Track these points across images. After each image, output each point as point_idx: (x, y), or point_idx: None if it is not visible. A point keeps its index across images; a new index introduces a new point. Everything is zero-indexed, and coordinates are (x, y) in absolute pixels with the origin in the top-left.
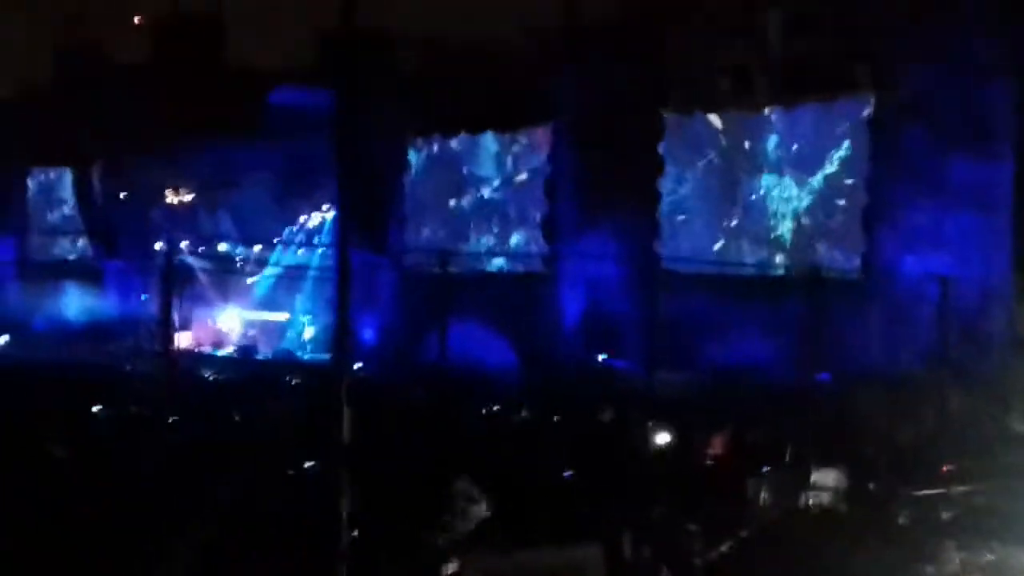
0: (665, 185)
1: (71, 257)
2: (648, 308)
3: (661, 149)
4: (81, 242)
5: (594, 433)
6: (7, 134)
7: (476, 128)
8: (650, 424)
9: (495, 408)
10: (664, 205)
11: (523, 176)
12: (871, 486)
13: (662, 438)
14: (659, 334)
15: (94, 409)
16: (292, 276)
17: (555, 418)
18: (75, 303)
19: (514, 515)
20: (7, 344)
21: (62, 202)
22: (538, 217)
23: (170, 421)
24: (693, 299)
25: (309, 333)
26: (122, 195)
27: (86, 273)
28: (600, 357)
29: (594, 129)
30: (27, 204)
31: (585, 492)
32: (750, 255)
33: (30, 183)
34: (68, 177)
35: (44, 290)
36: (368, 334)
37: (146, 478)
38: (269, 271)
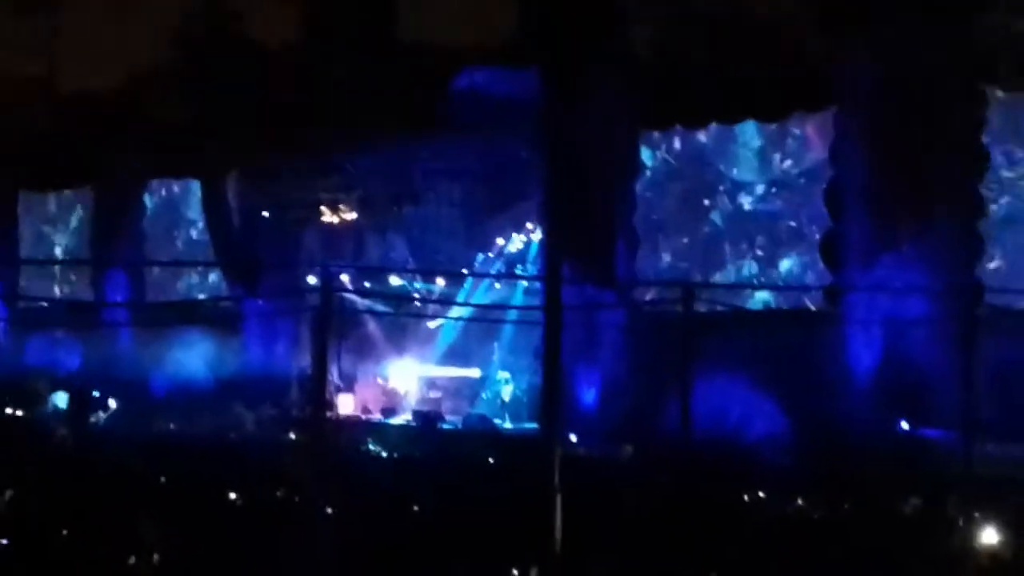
0: (990, 189)
1: (200, 296)
2: (969, 357)
3: (985, 140)
4: (213, 276)
5: (898, 529)
6: (117, 136)
7: (732, 116)
8: (976, 516)
9: (760, 495)
10: (991, 216)
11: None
12: None
13: (991, 536)
14: (985, 393)
15: (230, 496)
16: (487, 319)
17: (843, 508)
18: (204, 356)
19: None
20: (117, 411)
21: (188, 224)
22: (817, 235)
23: (327, 512)
24: None
25: (509, 395)
26: (265, 214)
27: (219, 317)
28: (903, 424)
29: (891, 116)
30: (143, 228)
31: None
32: None
33: (147, 201)
34: (196, 192)
35: (164, 340)
36: (588, 395)
37: None
38: (456, 313)
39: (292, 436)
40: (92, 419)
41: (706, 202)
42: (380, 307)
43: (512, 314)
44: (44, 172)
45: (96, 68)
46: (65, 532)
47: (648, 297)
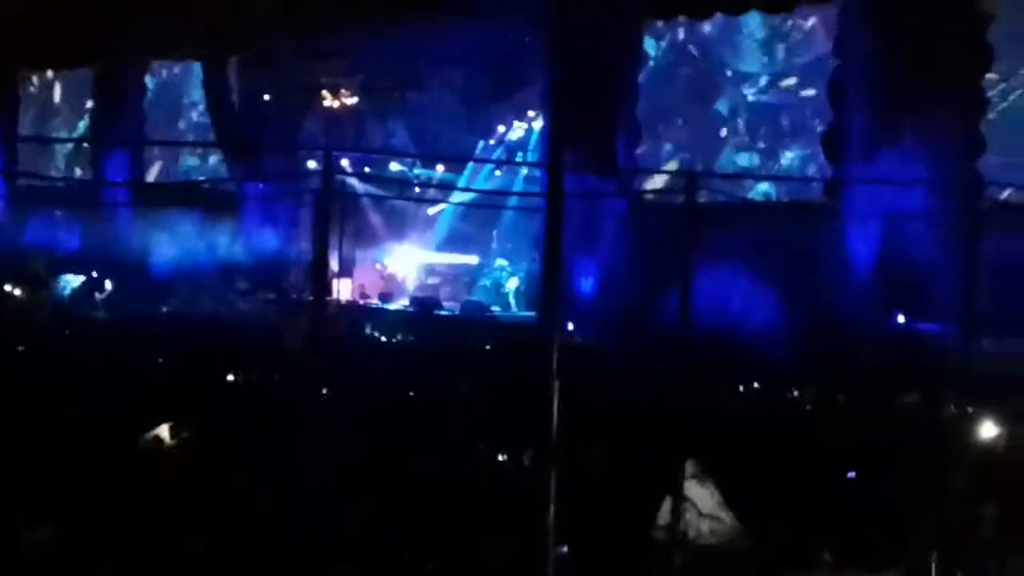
0: (992, 82)
1: (200, 178)
2: (967, 252)
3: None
4: (213, 159)
5: (891, 421)
6: (117, 15)
7: (736, 7)
8: (969, 411)
9: (756, 386)
10: (992, 110)
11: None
12: None
13: (987, 430)
14: (982, 288)
15: (227, 378)
16: (486, 206)
17: (838, 400)
18: (204, 239)
19: (775, 530)
20: (114, 293)
21: (189, 107)
22: (819, 128)
23: (323, 395)
24: None
25: (509, 282)
26: (266, 97)
27: (218, 199)
28: (900, 318)
29: (895, 9)
30: (143, 109)
31: (875, 500)
32: None
33: (148, 81)
34: (197, 73)
35: (163, 221)
36: (586, 284)
37: (289, 470)
38: (456, 199)
39: (290, 319)
40: (89, 300)
41: (709, 93)
42: (380, 192)
43: (512, 201)
44: (43, 50)
45: None
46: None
47: (650, 187)
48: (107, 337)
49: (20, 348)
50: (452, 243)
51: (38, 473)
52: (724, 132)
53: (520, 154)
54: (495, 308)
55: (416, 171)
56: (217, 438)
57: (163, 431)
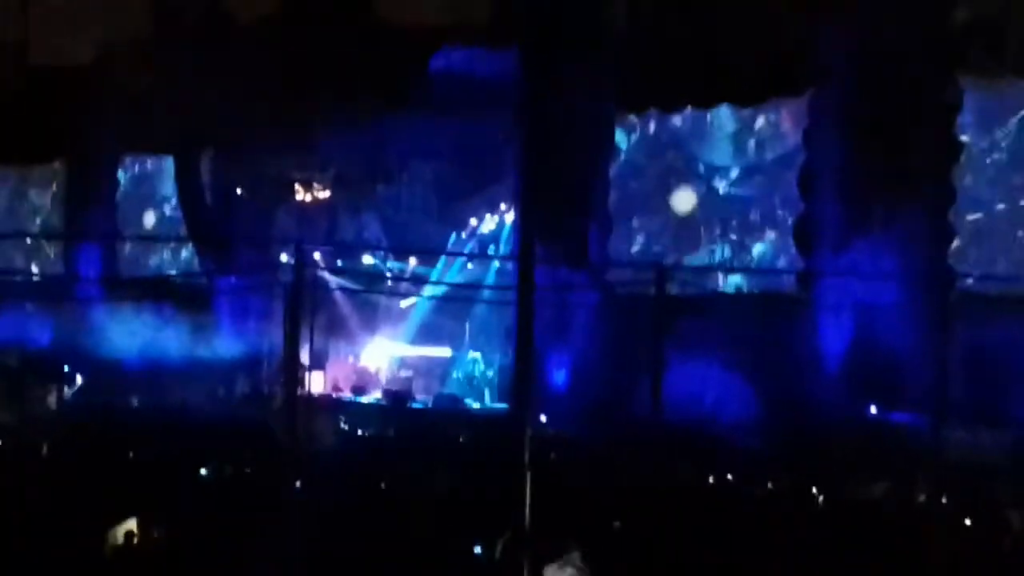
0: (958, 176)
1: (172, 272)
2: (938, 342)
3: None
4: (185, 252)
5: (867, 512)
6: (91, 110)
7: (707, 101)
8: (944, 500)
9: (729, 478)
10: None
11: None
12: None
13: (960, 520)
14: (954, 377)
15: (200, 472)
16: (459, 299)
17: (812, 492)
18: (176, 332)
19: None
20: (86, 386)
21: (161, 201)
22: (790, 220)
23: (296, 487)
24: (1001, 329)
25: (481, 374)
26: (239, 191)
27: (191, 293)
28: (873, 408)
29: (864, 101)
30: (116, 203)
31: None
32: None
33: (120, 176)
34: (169, 167)
35: (137, 315)
36: (559, 376)
37: (262, 565)
38: (429, 292)
39: (263, 413)
40: (59, 395)
41: (681, 185)
42: (352, 285)
43: (484, 294)
44: (15, 144)
45: (69, 39)
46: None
47: (621, 279)
48: (77, 430)
49: None
50: (425, 336)
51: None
52: (696, 225)
53: (492, 247)
54: (468, 400)
55: (389, 264)
56: (188, 532)
57: (133, 525)
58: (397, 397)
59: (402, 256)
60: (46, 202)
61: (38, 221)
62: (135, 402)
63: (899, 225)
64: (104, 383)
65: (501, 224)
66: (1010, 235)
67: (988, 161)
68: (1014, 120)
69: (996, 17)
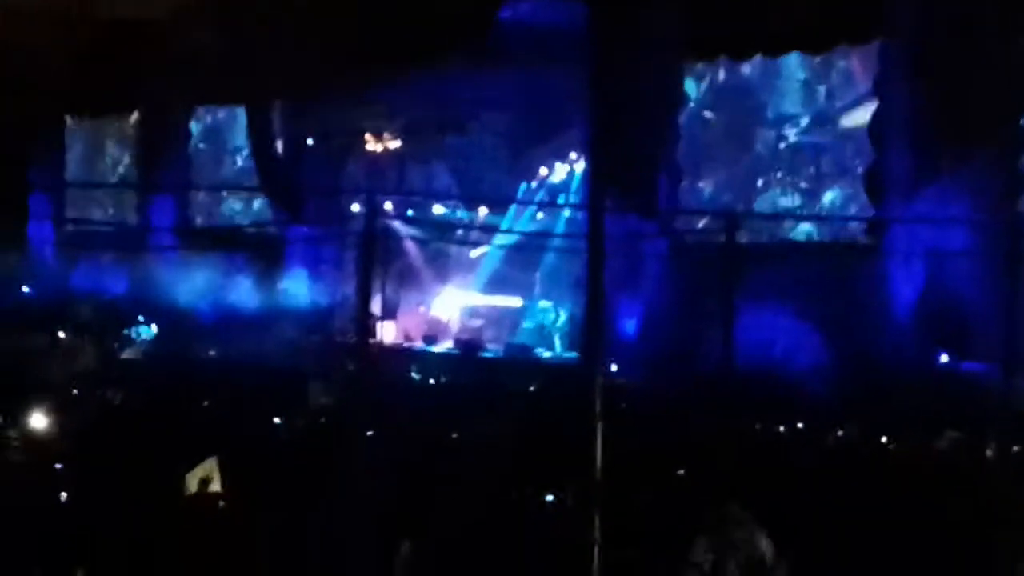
0: None
1: (244, 222)
2: (1011, 291)
3: None
4: (257, 203)
5: (936, 461)
6: (159, 63)
7: (777, 48)
8: (1015, 450)
9: (800, 426)
10: None
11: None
12: None
13: None
14: None
15: (274, 421)
16: (529, 248)
17: (883, 440)
18: (249, 282)
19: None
20: (159, 336)
21: (234, 152)
22: (861, 168)
23: (369, 436)
24: None
25: (551, 324)
26: (309, 142)
27: (263, 243)
28: (943, 358)
29: (935, 48)
30: (189, 154)
31: (920, 541)
32: None
33: (193, 127)
34: (241, 119)
35: (209, 265)
36: (629, 325)
37: (335, 511)
38: (499, 242)
39: (335, 363)
40: (133, 344)
41: (751, 134)
42: (423, 236)
43: (554, 243)
44: (88, 98)
45: None
46: (112, 458)
47: (691, 227)
48: (154, 381)
49: (73, 391)
50: (495, 285)
51: (92, 513)
52: (765, 173)
53: (563, 196)
54: (539, 350)
55: (459, 213)
56: (262, 481)
57: (208, 473)
58: (468, 347)
59: (472, 206)
60: (123, 154)
61: (119, 172)
62: (209, 352)
63: (969, 173)
64: (178, 333)
65: (571, 173)
66: None
67: None
68: None
69: None
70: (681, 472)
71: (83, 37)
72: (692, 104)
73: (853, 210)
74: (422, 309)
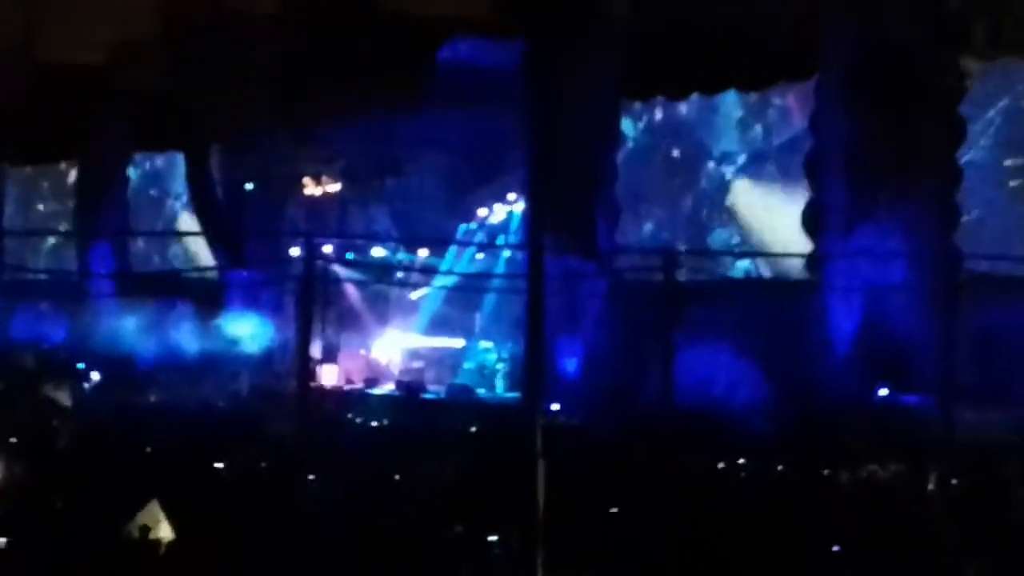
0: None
1: (184, 268)
2: (947, 324)
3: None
4: (197, 248)
5: (876, 494)
6: (99, 108)
7: (713, 87)
8: (953, 482)
9: (740, 462)
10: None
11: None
12: None
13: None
14: (963, 358)
15: (214, 466)
16: (470, 289)
17: (823, 474)
18: (189, 327)
19: None
20: (101, 384)
21: (172, 196)
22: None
23: (310, 481)
24: (1010, 311)
25: (493, 364)
26: (249, 186)
27: (203, 288)
28: (882, 391)
29: (870, 84)
30: (127, 200)
31: (861, 571)
32: None
33: (131, 173)
34: (180, 164)
35: (149, 311)
36: (570, 364)
37: (279, 553)
38: (439, 283)
39: (275, 406)
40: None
41: (688, 172)
42: (363, 278)
43: (495, 284)
44: (26, 144)
45: (77, 38)
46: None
47: (630, 266)
48: (93, 426)
49: (11, 440)
50: (436, 326)
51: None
52: (704, 211)
53: (502, 236)
54: (480, 390)
55: (399, 255)
56: (202, 526)
57: (150, 518)
58: (409, 388)
59: (412, 247)
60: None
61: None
62: (149, 397)
63: (905, 207)
64: (118, 379)
65: (510, 214)
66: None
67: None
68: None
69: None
70: (617, 510)
71: (19, 82)
72: (630, 143)
73: (792, 247)
74: (363, 351)
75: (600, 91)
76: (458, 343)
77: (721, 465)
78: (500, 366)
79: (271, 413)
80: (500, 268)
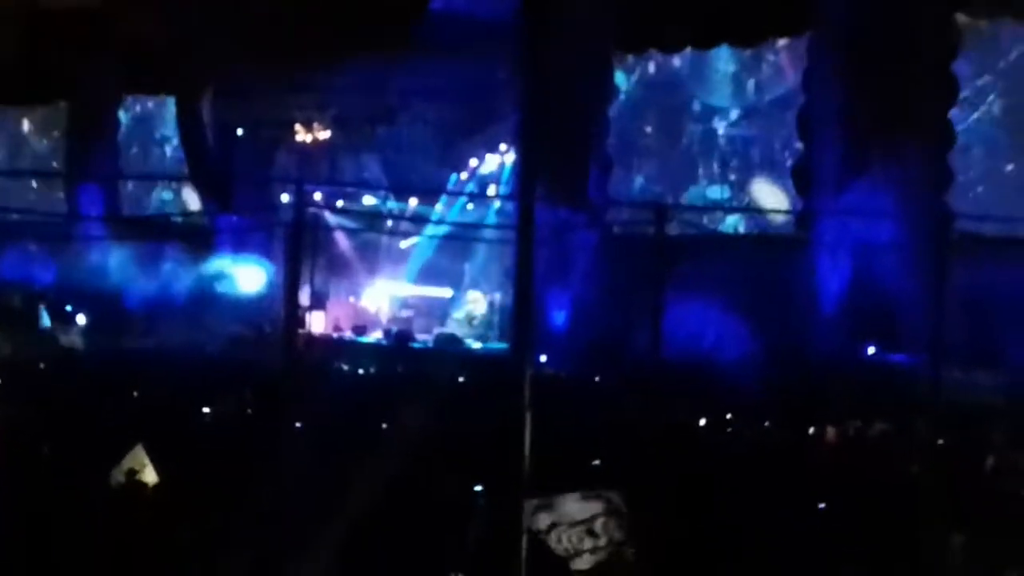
0: (956, 116)
1: (173, 212)
2: (937, 283)
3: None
4: (187, 193)
5: (863, 452)
6: (92, 52)
7: (706, 41)
8: (939, 442)
9: (727, 417)
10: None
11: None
12: None
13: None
14: (952, 318)
15: (201, 411)
16: (459, 239)
17: (809, 431)
18: (177, 272)
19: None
20: (88, 326)
21: (163, 141)
22: (788, 161)
23: (296, 427)
24: (999, 270)
25: (480, 314)
26: (239, 131)
27: (192, 233)
28: (870, 349)
29: (864, 41)
30: (117, 143)
31: (847, 531)
32: None
33: (121, 116)
34: (170, 108)
35: (137, 255)
36: (558, 316)
37: (260, 499)
38: (429, 232)
39: (262, 353)
40: (61, 334)
41: (680, 126)
42: (352, 226)
43: (484, 234)
44: (18, 86)
45: None
46: (40, 448)
47: (621, 219)
48: (81, 369)
49: None
50: (425, 276)
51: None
52: (695, 165)
53: (493, 186)
54: (468, 340)
55: (390, 204)
56: (188, 472)
57: (137, 462)
58: (398, 337)
59: (402, 196)
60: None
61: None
62: (136, 342)
63: (897, 166)
64: (105, 323)
65: (502, 165)
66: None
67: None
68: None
69: None
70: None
71: (15, 23)
72: (622, 96)
73: (782, 202)
74: (351, 299)
75: (593, 42)
76: (447, 293)
77: (706, 420)
78: (489, 316)
79: (257, 359)
80: (491, 218)
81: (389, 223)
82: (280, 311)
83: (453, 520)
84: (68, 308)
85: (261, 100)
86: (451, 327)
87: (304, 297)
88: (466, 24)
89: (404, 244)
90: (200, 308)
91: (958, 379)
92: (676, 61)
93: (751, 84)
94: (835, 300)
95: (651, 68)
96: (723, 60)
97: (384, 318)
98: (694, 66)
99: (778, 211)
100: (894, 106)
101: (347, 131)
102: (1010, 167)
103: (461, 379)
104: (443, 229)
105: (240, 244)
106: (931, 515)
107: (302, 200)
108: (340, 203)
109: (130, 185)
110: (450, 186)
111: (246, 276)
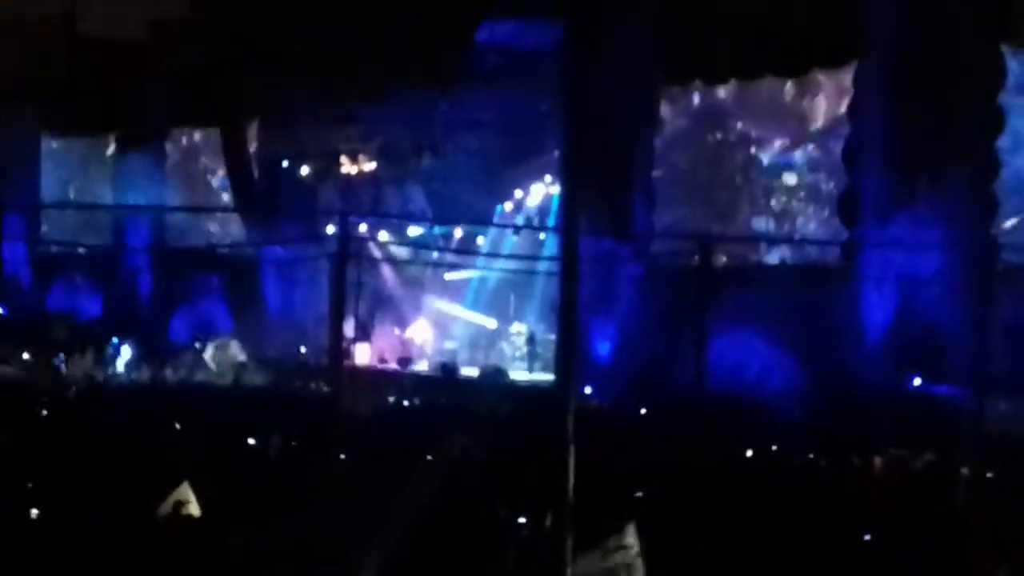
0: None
1: (218, 243)
2: (983, 314)
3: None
4: (232, 225)
5: (908, 483)
6: (138, 82)
7: (751, 72)
8: (987, 475)
9: (772, 448)
10: (1005, 174)
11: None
12: None
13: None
14: (998, 349)
15: (247, 443)
16: (504, 270)
17: (855, 463)
18: (222, 303)
19: None
20: (133, 359)
21: (208, 173)
22: (835, 191)
23: (340, 459)
24: None
25: (525, 346)
26: (285, 163)
27: (237, 264)
28: (916, 381)
29: (912, 73)
30: (163, 175)
31: (892, 563)
32: None
33: (168, 148)
34: (215, 140)
35: (182, 286)
36: (603, 347)
37: (309, 527)
38: (475, 264)
39: (308, 385)
40: (107, 365)
41: (723, 157)
42: (397, 257)
43: (529, 266)
44: (66, 116)
45: (117, 12)
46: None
47: (665, 250)
48: (126, 401)
49: (43, 413)
50: (471, 307)
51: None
52: (739, 196)
53: (537, 219)
54: (514, 372)
55: (435, 235)
56: (235, 503)
57: (182, 495)
58: (443, 368)
59: (448, 227)
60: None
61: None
62: (180, 372)
63: (943, 196)
64: (153, 354)
65: (547, 197)
66: None
67: None
68: None
69: None
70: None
71: (61, 53)
72: (667, 127)
73: (827, 233)
74: (396, 331)
75: (638, 74)
76: (492, 324)
77: (751, 452)
78: (534, 347)
79: (303, 391)
80: (537, 250)
81: (434, 255)
82: (326, 343)
83: (496, 551)
84: (115, 340)
85: (306, 132)
86: (496, 359)
87: (349, 329)
88: (511, 55)
89: (449, 276)
90: (246, 340)
91: (1005, 410)
92: (721, 92)
93: (796, 115)
94: (881, 331)
95: (696, 99)
96: (768, 91)
97: (429, 349)
98: (739, 97)
99: (823, 242)
100: (940, 136)
101: (392, 162)
102: None
103: (506, 410)
104: (489, 261)
105: (285, 276)
106: (978, 548)
107: (347, 232)
108: (385, 235)
109: (176, 216)
110: (496, 217)
111: (291, 308)
